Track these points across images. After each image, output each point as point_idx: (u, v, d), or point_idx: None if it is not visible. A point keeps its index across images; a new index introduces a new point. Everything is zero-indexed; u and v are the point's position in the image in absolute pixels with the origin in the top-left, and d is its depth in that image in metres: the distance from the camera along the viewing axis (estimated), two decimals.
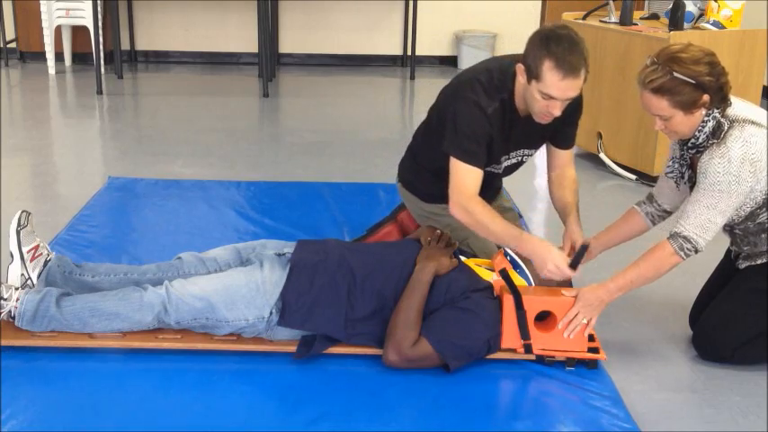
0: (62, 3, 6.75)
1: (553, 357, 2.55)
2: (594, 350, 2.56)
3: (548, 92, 2.50)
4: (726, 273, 2.79)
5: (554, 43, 2.46)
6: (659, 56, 2.43)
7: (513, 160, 2.91)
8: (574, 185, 2.91)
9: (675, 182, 2.67)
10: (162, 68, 7.45)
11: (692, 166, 2.60)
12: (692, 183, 2.60)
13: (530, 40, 2.55)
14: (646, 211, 2.80)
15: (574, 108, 2.72)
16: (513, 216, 3.23)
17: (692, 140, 2.50)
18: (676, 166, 2.64)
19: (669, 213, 2.80)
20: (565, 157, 2.93)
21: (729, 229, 2.66)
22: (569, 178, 2.91)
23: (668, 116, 2.44)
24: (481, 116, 2.65)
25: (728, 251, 2.84)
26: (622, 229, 2.83)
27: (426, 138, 2.98)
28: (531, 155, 2.95)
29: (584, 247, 2.61)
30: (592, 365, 2.54)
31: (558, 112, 2.56)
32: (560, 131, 2.86)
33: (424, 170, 3.03)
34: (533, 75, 2.51)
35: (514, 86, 2.66)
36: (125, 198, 3.98)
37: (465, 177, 2.67)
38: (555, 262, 2.56)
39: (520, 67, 2.57)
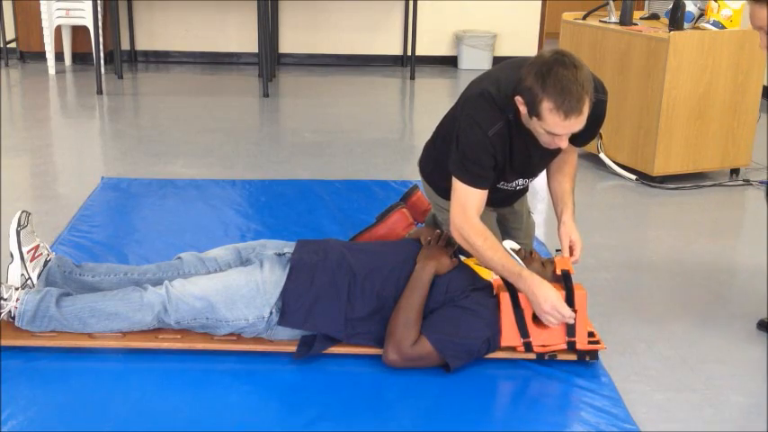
0: (62, 3, 6.75)
1: (554, 354, 2.55)
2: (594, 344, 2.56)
3: (550, 131, 2.40)
4: None
5: (552, 81, 2.32)
6: None
7: (521, 186, 2.85)
8: (573, 170, 2.83)
9: None
10: (162, 68, 7.45)
11: None
12: None
13: (526, 72, 2.39)
14: None
15: (593, 120, 2.52)
16: (531, 224, 3.19)
17: None
18: None
19: None
20: (572, 146, 2.75)
21: None
22: (570, 163, 2.83)
23: None
24: (483, 139, 2.53)
25: None
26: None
27: (443, 137, 2.85)
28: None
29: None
30: (593, 357, 2.55)
31: (564, 144, 2.47)
32: (578, 136, 2.63)
33: (441, 164, 2.85)
34: (534, 112, 2.39)
35: None
36: (122, 198, 3.97)
37: (466, 199, 2.57)
38: (553, 303, 2.45)
39: (519, 100, 2.43)
